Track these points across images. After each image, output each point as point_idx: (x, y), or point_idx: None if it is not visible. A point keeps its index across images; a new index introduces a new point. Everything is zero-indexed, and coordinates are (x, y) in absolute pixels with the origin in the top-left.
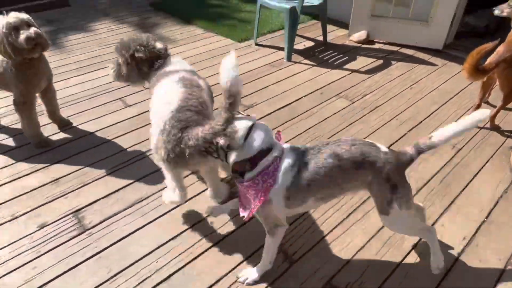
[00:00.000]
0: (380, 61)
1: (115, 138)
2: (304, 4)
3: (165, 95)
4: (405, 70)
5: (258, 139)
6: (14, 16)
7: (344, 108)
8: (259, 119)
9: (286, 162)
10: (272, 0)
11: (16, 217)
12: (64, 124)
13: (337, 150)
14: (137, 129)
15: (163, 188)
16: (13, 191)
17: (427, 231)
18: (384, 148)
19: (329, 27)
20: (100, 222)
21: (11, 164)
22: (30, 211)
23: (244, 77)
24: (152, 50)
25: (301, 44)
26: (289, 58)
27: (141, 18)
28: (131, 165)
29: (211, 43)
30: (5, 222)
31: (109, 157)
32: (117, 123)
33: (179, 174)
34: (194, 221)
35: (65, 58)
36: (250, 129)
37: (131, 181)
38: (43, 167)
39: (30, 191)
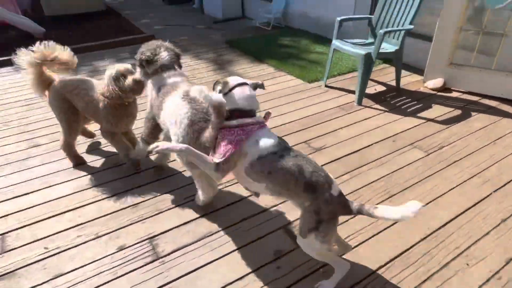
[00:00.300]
0: (459, 111)
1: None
2: (380, 51)
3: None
4: (487, 122)
5: (239, 95)
6: (122, 66)
7: (418, 159)
8: (328, 163)
9: (272, 140)
10: (345, 45)
11: (99, 236)
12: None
13: (304, 166)
14: None
15: (233, 225)
16: (98, 211)
17: (338, 266)
18: (335, 190)
19: (402, 72)
20: (172, 252)
21: (97, 185)
22: (111, 232)
23: (313, 118)
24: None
25: (372, 88)
26: (359, 102)
27: (217, 55)
28: None
29: (282, 82)
30: (90, 240)
31: (184, 187)
32: None
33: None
34: (262, 263)
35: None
36: (237, 86)
37: (202, 214)
38: (124, 191)
39: (112, 212)
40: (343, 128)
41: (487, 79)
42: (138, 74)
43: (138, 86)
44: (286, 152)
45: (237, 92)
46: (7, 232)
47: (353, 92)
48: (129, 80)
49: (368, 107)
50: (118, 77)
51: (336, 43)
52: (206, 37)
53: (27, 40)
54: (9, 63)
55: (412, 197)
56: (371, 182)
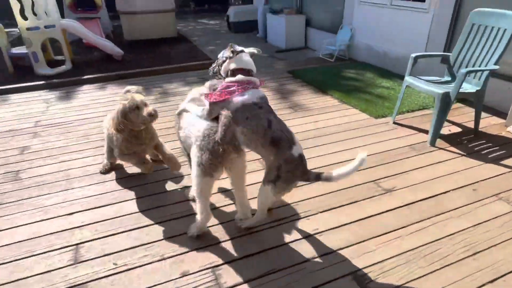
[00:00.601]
0: None
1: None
2: (460, 91)
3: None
4: None
5: (243, 57)
6: (136, 97)
7: (505, 214)
8: (400, 207)
9: (258, 94)
10: (420, 82)
11: (164, 258)
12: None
13: (274, 122)
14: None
15: (296, 264)
16: (165, 232)
17: (263, 216)
18: (296, 151)
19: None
20: (235, 285)
21: (165, 205)
22: (176, 255)
23: (381, 156)
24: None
25: (445, 129)
26: (433, 143)
27: (280, 84)
28: (267, 230)
29: (347, 115)
30: (156, 261)
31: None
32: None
33: (209, 185)
34: None
35: None
36: (241, 51)
37: (265, 248)
38: (191, 214)
39: (178, 235)
40: (416, 170)
41: None
42: (152, 107)
43: (152, 119)
44: (265, 107)
45: (242, 55)
46: (81, 243)
47: (424, 131)
48: (144, 112)
49: (442, 149)
50: (125, 112)
51: (409, 79)
52: (269, 66)
53: (108, 60)
54: (92, 80)
55: (502, 257)
56: (451, 234)
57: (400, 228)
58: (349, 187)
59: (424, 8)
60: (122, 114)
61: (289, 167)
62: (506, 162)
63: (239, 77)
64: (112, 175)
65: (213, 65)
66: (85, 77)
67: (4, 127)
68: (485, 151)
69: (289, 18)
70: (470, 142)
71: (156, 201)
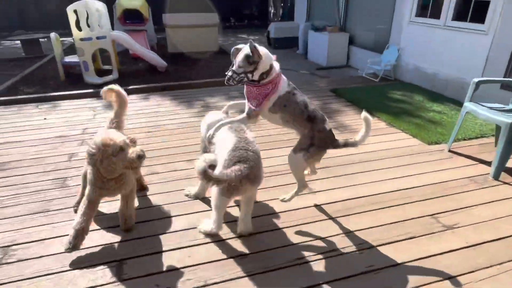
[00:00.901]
0: None
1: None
2: None
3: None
4: None
5: (265, 52)
6: (119, 138)
7: None
8: (465, 247)
9: (286, 82)
10: (482, 110)
11: (208, 285)
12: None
13: (308, 103)
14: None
15: None
16: (208, 255)
17: (302, 185)
18: (327, 125)
19: None
20: None
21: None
22: (219, 282)
23: (438, 188)
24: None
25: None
26: (496, 176)
27: (323, 103)
28: (318, 262)
29: (396, 140)
30: (200, 287)
31: (295, 244)
32: (302, 208)
33: (224, 203)
34: None
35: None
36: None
37: (318, 282)
38: (234, 238)
39: (221, 260)
40: (479, 206)
41: None
42: (138, 147)
43: (140, 161)
44: (296, 91)
45: (262, 49)
46: (124, 259)
47: (484, 162)
48: (133, 155)
49: (508, 183)
50: (116, 153)
51: (470, 106)
52: (311, 83)
53: (152, 71)
54: (137, 91)
55: None
56: None
57: (467, 273)
58: (404, 220)
59: (482, 30)
60: (90, 156)
61: (321, 136)
62: None
63: (274, 75)
64: (155, 188)
65: (233, 75)
66: (131, 87)
67: (55, 132)
68: None
69: (332, 35)
70: None
71: (199, 218)
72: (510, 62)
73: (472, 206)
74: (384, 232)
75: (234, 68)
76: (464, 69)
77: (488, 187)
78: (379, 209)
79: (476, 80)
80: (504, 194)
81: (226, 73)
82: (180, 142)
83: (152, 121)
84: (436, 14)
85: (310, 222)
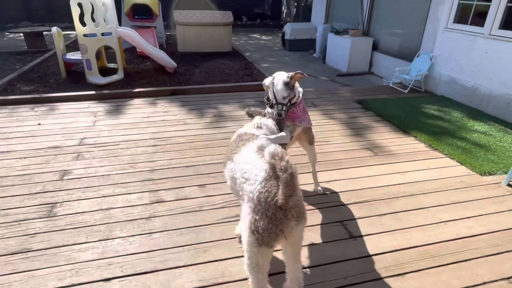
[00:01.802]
0: None
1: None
2: None
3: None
4: None
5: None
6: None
7: None
8: None
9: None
10: None
11: None
12: None
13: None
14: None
15: None
16: None
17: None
18: None
19: None
20: None
21: (224, 281)
22: None
23: (503, 237)
24: None
25: None
26: None
27: (350, 117)
28: None
29: (442, 168)
30: None
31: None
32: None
33: (267, 257)
34: None
35: None
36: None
37: None
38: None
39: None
40: None
41: None
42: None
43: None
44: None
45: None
46: None
47: None
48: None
49: None
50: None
51: None
52: (334, 92)
53: (160, 71)
54: (144, 94)
55: None
56: None
57: None
58: (476, 286)
59: None
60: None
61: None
62: None
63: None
64: (159, 224)
65: (283, 108)
66: (137, 90)
67: (49, 142)
68: None
69: (354, 40)
70: None
71: (212, 271)
72: None
73: None
74: None
75: (279, 101)
76: (510, 83)
77: None
78: (440, 266)
79: None
80: None
81: (271, 111)
82: (191, 160)
83: (159, 131)
84: (479, 21)
85: (355, 284)
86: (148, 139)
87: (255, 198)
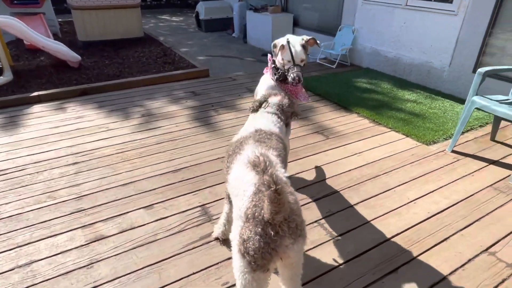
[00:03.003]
0: None
1: None
2: None
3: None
4: None
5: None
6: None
7: None
8: None
9: None
10: (498, 106)
11: None
12: None
13: None
14: None
15: None
16: None
17: None
18: None
19: None
20: None
21: None
22: None
23: (466, 206)
24: None
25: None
26: None
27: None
28: None
29: (392, 143)
30: None
31: None
32: None
33: (263, 283)
34: None
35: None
36: None
37: None
38: None
39: None
40: None
41: None
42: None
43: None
44: None
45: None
46: None
47: (490, 161)
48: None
49: None
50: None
51: (480, 101)
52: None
53: (61, 67)
54: (45, 98)
55: None
56: None
57: None
58: (463, 265)
59: (451, 10)
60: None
61: None
62: None
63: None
64: (108, 267)
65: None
66: (35, 93)
67: None
68: None
69: (275, 17)
70: None
71: None
72: (484, 43)
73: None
74: None
75: (297, 62)
76: (431, 53)
77: None
78: (426, 251)
79: (482, 70)
80: None
81: (291, 74)
82: (127, 176)
83: (76, 144)
84: None
85: None
86: (64, 156)
87: (242, 215)
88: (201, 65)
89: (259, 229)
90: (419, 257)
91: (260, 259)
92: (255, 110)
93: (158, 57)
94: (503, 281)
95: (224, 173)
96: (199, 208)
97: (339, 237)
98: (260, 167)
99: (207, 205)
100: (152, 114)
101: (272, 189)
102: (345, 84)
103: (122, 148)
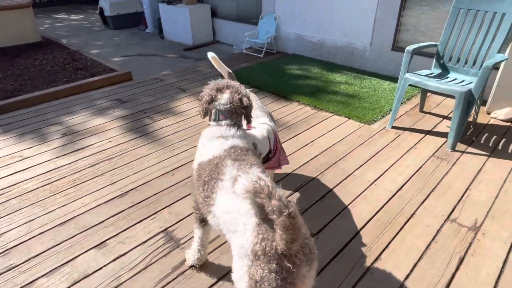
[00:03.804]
0: None
1: None
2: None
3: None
4: None
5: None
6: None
7: None
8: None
9: None
10: (429, 81)
11: None
12: None
13: None
14: None
15: None
16: None
17: None
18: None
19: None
20: None
21: None
22: None
23: (420, 179)
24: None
25: (442, 125)
26: (454, 147)
27: None
28: None
29: (338, 127)
30: None
31: None
32: None
33: None
34: None
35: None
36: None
37: None
38: None
39: None
40: (472, 190)
41: None
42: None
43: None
44: None
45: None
46: None
47: (424, 131)
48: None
49: (465, 152)
50: None
51: (412, 77)
52: (194, 70)
53: None
54: None
55: None
56: None
57: None
58: (435, 237)
59: None
60: None
61: None
62: None
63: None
64: None
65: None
66: None
67: None
68: (502, 146)
69: (192, 8)
70: (479, 138)
71: None
72: (398, 22)
73: (466, 191)
74: (446, 271)
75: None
76: (352, 34)
77: (457, 162)
78: (399, 232)
79: (410, 48)
80: (471, 165)
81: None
82: (63, 212)
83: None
84: None
85: None
86: (34, 188)
87: (249, 253)
88: (120, 67)
89: (274, 265)
90: (395, 239)
91: None
92: (206, 113)
93: (65, 63)
94: (469, 245)
95: (199, 201)
96: (161, 234)
97: (318, 235)
98: (264, 193)
99: (170, 229)
100: (76, 131)
101: (285, 214)
102: (277, 72)
103: (47, 179)
